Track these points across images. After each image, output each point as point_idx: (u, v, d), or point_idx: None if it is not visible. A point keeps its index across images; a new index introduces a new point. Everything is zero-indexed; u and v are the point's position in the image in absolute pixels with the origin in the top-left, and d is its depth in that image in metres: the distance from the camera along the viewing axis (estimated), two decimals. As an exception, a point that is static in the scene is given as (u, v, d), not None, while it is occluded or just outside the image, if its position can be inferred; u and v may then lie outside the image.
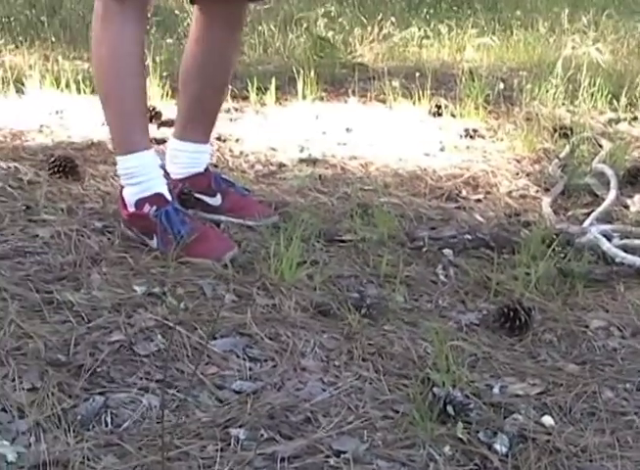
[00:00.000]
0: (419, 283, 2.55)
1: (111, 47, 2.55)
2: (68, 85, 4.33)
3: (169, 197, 2.57)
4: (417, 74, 4.67)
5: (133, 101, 2.59)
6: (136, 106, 2.60)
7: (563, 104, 4.75)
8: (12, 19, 6.15)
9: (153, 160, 2.59)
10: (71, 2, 7.06)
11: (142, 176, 2.56)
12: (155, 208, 2.53)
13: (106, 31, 2.54)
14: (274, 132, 3.96)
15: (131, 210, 2.58)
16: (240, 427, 1.74)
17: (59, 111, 4.07)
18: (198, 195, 2.85)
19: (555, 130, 4.25)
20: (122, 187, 2.62)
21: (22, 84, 4.35)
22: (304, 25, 5.85)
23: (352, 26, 6.03)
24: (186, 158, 2.88)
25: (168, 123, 3.68)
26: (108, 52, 2.56)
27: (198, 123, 2.88)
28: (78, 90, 4.32)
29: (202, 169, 2.89)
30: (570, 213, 3.33)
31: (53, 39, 5.47)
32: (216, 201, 2.88)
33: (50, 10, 6.93)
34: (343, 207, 3.09)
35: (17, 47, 5.52)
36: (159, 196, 2.55)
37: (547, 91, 4.72)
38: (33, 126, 3.79)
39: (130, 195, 2.59)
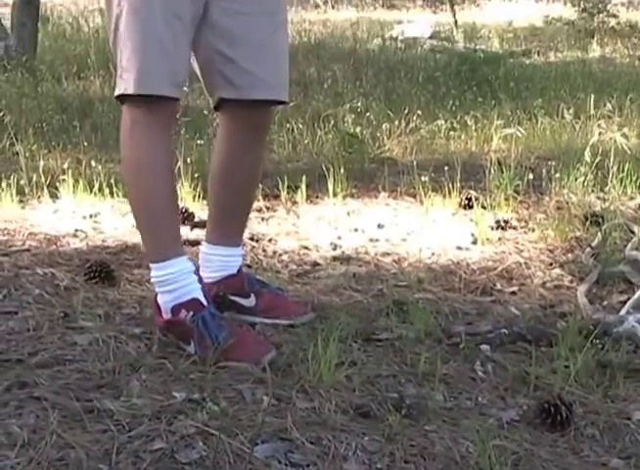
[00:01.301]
0: (457, 380, 2.54)
1: (139, 157, 2.59)
2: (101, 189, 4.38)
3: (205, 302, 2.58)
4: (446, 168, 4.69)
5: (163, 209, 2.62)
6: (167, 214, 2.64)
7: (592, 191, 4.75)
8: (44, 124, 6.27)
9: (186, 265, 2.61)
10: (102, 105, 7.20)
11: (176, 283, 2.58)
12: (191, 313, 2.54)
13: (134, 141, 2.58)
14: (306, 231, 3.99)
15: (167, 316, 2.59)
16: None
17: (93, 215, 4.12)
18: (232, 297, 2.86)
19: (586, 218, 4.25)
20: (157, 293, 2.64)
21: (57, 189, 4.41)
22: (332, 122, 5.92)
23: (380, 121, 6.10)
24: (218, 262, 2.89)
25: (201, 225, 3.72)
26: (136, 162, 2.60)
27: (228, 228, 2.90)
28: (111, 193, 4.37)
29: (234, 271, 2.90)
30: (605, 303, 3.31)
31: (85, 143, 5.56)
32: (250, 302, 2.89)
33: (81, 114, 7.07)
34: (379, 304, 3.09)
35: (49, 151, 5.62)
36: (194, 301, 2.56)
37: (576, 179, 4.73)
38: (68, 231, 3.84)
39: (165, 302, 2.60)
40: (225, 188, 2.87)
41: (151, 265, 2.65)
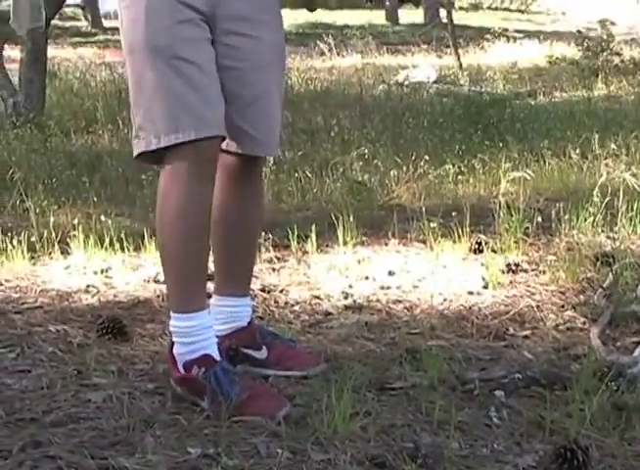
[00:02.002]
0: (473, 427, 2.53)
1: (177, 206, 2.59)
2: (111, 243, 4.39)
3: (217, 357, 2.58)
4: (454, 214, 4.70)
5: (195, 264, 2.64)
6: (197, 269, 2.66)
7: (602, 231, 4.75)
8: (54, 179, 6.30)
9: (207, 321, 2.62)
10: (110, 159, 7.24)
11: (194, 337, 2.58)
12: (203, 370, 2.55)
13: (173, 190, 2.59)
14: (317, 280, 4.00)
15: (181, 371, 2.60)
16: None
17: (104, 270, 4.13)
18: (244, 350, 2.86)
19: (597, 259, 4.25)
20: (172, 344, 2.65)
21: (67, 244, 4.43)
22: (340, 170, 5.96)
23: (387, 168, 6.13)
24: (228, 313, 2.89)
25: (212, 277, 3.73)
26: (173, 211, 2.60)
27: (234, 278, 2.91)
28: (122, 248, 4.38)
29: (245, 323, 2.91)
30: (619, 343, 3.31)
31: (95, 198, 5.59)
32: (262, 354, 2.89)
33: (90, 168, 7.11)
34: (392, 353, 3.09)
35: (59, 207, 5.65)
36: (207, 357, 2.57)
37: (585, 219, 4.73)
38: (80, 287, 3.85)
39: (180, 353, 2.61)
40: (226, 239, 2.87)
41: (172, 314, 2.66)
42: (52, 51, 12.26)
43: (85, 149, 8.12)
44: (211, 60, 2.61)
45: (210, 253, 2.80)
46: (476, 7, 27.81)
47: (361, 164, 5.98)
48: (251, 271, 3.01)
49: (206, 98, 2.57)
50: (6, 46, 10.54)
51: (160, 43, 2.53)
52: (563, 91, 13.80)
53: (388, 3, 36.39)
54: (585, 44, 17.59)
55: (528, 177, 5.28)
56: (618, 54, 17.05)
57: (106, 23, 29.42)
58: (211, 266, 2.89)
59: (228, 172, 2.79)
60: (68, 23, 28.31)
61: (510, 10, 31.85)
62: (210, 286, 2.92)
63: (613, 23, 23.84)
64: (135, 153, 2.62)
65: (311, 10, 2.91)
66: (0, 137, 8.71)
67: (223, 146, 2.69)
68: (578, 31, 21.86)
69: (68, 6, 27.40)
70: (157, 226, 2.70)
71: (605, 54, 16.84)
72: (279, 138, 2.86)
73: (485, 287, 3.93)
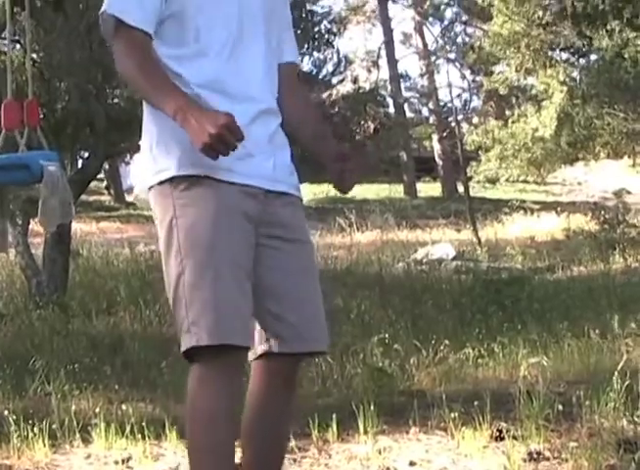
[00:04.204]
0: None
1: (205, 409, 2.62)
2: (132, 431, 4.40)
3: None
4: (476, 403, 4.69)
5: (224, 463, 2.66)
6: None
7: (624, 415, 4.72)
8: (75, 365, 6.34)
9: None
10: (132, 342, 7.30)
11: None
12: None
13: (201, 393, 2.63)
14: (339, 472, 3.99)
15: None
16: None
17: (125, 459, 4.14)
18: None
19: (619, 445, 4.21)
20: None
21: (88, 432, 4.44)
22: (361, 355, 5.99)
23: (408, 352, 6.16)
24: None
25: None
26: (202, 414, 2.63)
27: None
28: (143, 436, 4.38)
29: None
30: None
31: (116, 386, 5.62)
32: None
33: (111, 351, 7.17)
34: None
35: (81, 392, 5.68)
36: None
37: (606, 404, 4.71)
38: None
39: None
40: (257, 439, 2.88)
41: None
42: (74, 225, 12.48)
43: (107, 331, 8.20)
44: (252, 268, 2.72)
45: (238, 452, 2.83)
46: (493, 181, 28.21)
47: (381, 349, 6.01)
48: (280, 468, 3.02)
49: (249, 307, 2.69)
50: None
51: (212, 246, 2.63)
52: (581, 265, 13.90)
53: (406, 177, 37.08)
54: (602, 217, 17.81)
55: (546, 363, 5.30)
56: (635, 226, 17.24)
57: (128, 198, 30.06)
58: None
59: (273, 372, 2.84)
60: (91, 198, 28.89)
61: (527, 182, 32.32)
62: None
63: (629, 192, 24.19)
64: (185, 347, 2.65)
65: (344, 192, 3.01)
66: (23, 318, 8.82)
67: (283, 349, 2.77)
68: (594, 203, 22.14)
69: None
70: (188, 424, 2.72)
71: (621, 226, 17.02)
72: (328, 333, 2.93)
73: (507, 477, 3.90)
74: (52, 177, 3.62)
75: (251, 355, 2.83)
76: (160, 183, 2.74)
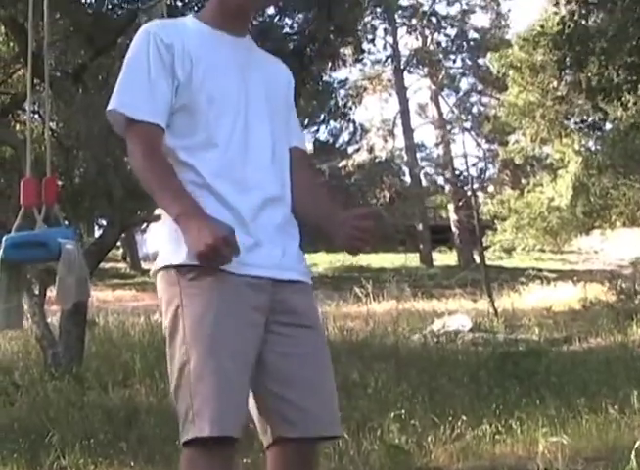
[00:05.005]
0: None
1: None
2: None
3: None
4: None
5: None
6: None
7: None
8: (91, 439, 6.32)
9: None
10: (147, 416, 7.26)
11: None
12: None
13: None
14: None
15: None
16: None
17: None
18: None
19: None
20: None
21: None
22: (378, 432, 5.95)
23: (425, 429, 6.11)
24: None
25: None
26: None
27: None
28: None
29: None
30: None
31: (132, 462, 5.60)
32: None
33: (127, 424, 7.13)
34: None
35: (96, 466, 5.66)
36: None
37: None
38: None
39: None
40: None
41: None
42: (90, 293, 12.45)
43: (122, 404, 8.16)
44: (254, 360, 2.75)
45: None
46: (509, 251, 28.28)
47: (398, 425, 5.97)
48: None
49: (247, 400, 2.74)
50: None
51: (217, 338, 2.66)
52: (598, 336, 13.80)
53: (422, 246, 37.14)
54: (619, 287, 17.77)
55: (565, 442, 5.25)
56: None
57: (144, 266, 30.15)
58: None
59: (290, 459, 2.83)
60: (107, 265, 29.00)
61: (543, 250, 32.34)
62: None
63: (646, 260, 24.14)
64: (188, 437, 2.65)
65: (354, 254, 3.05)
66: (38, 389, 8.80)
67: (296, 434, 2.78)
68: (611, 272, 22.12)
69: (109, 249, 28.14)
70: None
71: (639, 296, 16.98)
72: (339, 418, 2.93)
73: None
74: (69, 255, 3.64)
75: (265, 442, 2.84)
76: (168, 269, 2.78)
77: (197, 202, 2.69)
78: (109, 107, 2.82)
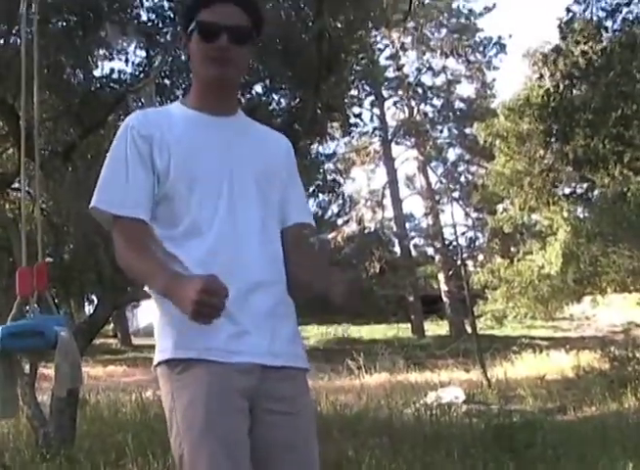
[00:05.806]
0: None
1: None
2: None
3: None
4: None
5: None
6: None
7: None
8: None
9: None
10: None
11: None
12: None
13: None
14: None
15: None
16: None
17: None
18: None
19: None
20: None
21: None
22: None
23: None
24: None
25: None
26: None
27: None
28: None
29: None
30: None
31: None
32: None
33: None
34: None
35: None
36: None
37: None
38: None
39: None
40: None
41: None
42: (83, 380, 12.38)
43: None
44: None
45: None
46: (500, 320, 28.19)
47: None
48: None
49: None
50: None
51: (206, 428, 2.69)
52: (592, 405, 13.74)
53: (413, 316, 37.10)
54: (612, 354, 17.72)
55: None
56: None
57: (135, 341, 30.06)
58: None
59: None
60: (98, 341, 28.87)
61: (534, 318, 32.29)
62: None
63: (638, 325, 24.15)
64: None
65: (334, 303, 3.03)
66: (30, 472, 8.69)
67: None
68: (603, 341, 22.10)
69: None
70: None
71: (632, 363, 16.93)
72: None
73: None
74: (65, 343, 3.66)
75: None
76: (161, 365, 2.82)
77: (177, 270, 2.72)
78: (90, 205, 2.85)
